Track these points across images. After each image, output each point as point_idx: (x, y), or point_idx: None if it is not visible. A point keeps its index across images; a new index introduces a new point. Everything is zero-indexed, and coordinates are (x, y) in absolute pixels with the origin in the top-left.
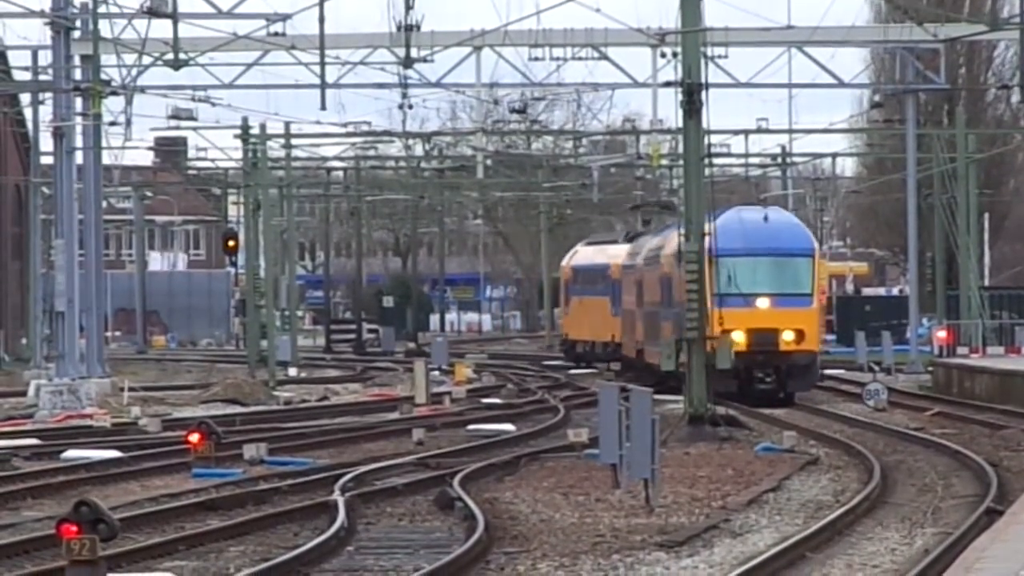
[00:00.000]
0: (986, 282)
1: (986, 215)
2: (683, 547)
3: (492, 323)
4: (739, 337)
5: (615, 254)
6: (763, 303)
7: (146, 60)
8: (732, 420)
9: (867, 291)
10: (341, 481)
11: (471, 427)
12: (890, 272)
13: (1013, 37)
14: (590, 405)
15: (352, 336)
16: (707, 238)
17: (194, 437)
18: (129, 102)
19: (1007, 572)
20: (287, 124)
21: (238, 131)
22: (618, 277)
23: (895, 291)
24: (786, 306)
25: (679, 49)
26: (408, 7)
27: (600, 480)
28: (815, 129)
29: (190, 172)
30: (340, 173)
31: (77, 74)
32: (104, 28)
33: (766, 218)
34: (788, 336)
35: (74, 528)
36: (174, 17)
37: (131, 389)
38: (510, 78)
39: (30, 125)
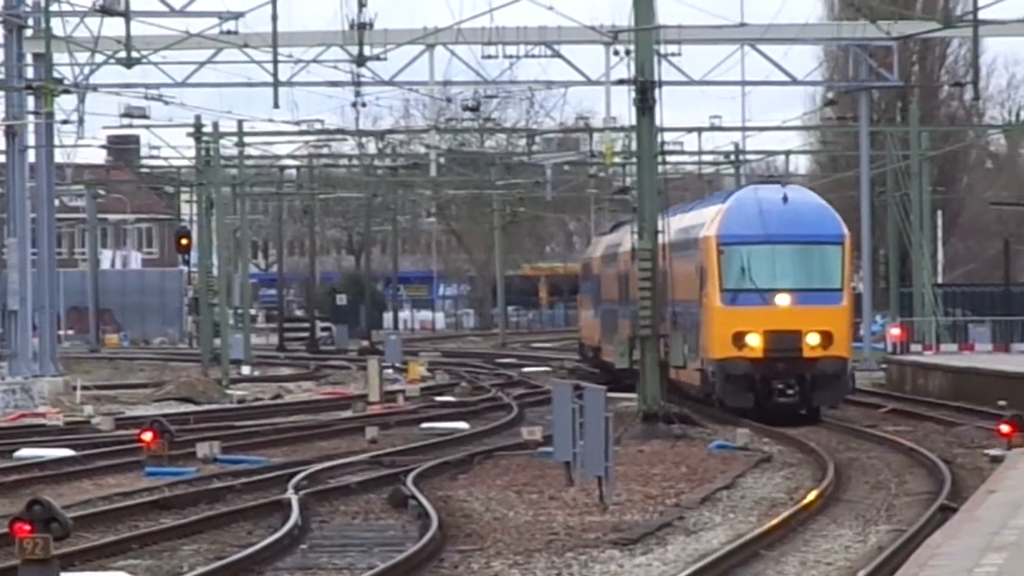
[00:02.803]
0: (939, 279)
1: (939, 212)
2: (637, 545)
3: (445, 321)
4: (754, 341)
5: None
6: (783, 300)
7: (99, 58)
8: (686, 418)
9: None
10: (294, 479)
11: (425, 425)
12: None
13: (966, 34)
14: (544, 403)
15: (305, 334)
16: (714, 223)
17: (147, 436)
18: (82, 100)
19: (961, 569)
20: (240, 122)
21: (191, 129)
22: (598, 272)
23: None
24: (811, 303)
25: (632, 47)
26: (361, 5)
27: (554, 478)
28: (768, 127)
29: (143, 170)
30: (293, 171)
31: (29, 72)
32: (56, 26)
33: (786, 198)
34: (813, 339)
35: (27, 527)
36: (127, 15)
37: (84, 388)
38: (463, 76)
39: None
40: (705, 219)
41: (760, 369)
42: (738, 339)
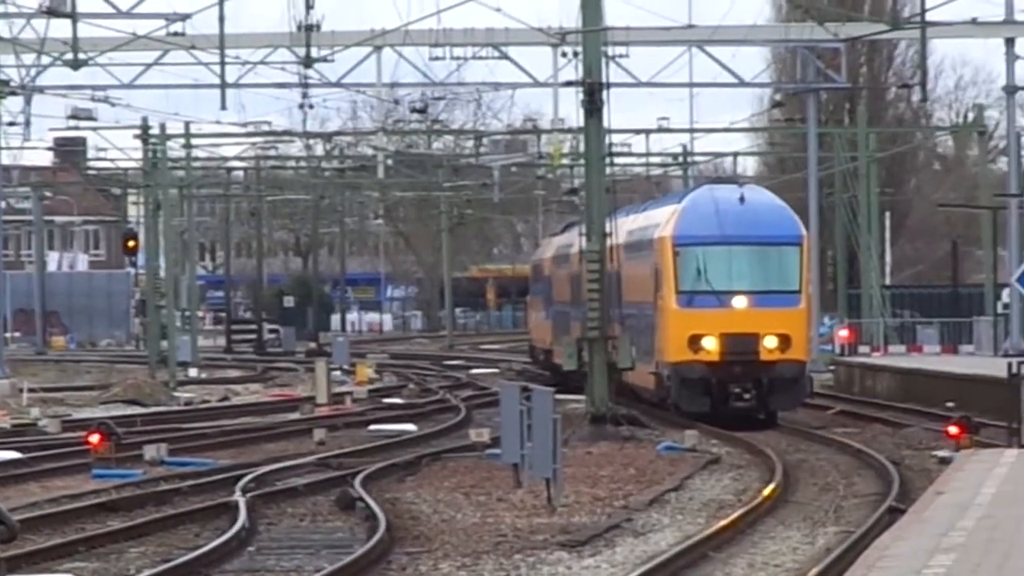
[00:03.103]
0: (887, 281)
1: (887, 214)
2: (585, 547)
3: (393, 323)
4: (711, 344)
5: (559, 244)
6: (740, 302)
7: (45, 60)
8: (634, 419)
9: None
10: (242, 482)
11: (372, 427)
12: None
13: (914, 36)
14: (492, 405)
15: (253, 336)
16: (669, 223)
17: (94, 438)
18: (28, 102)
19: (909, 571)
20: (187, 124)
21: (138, 131)
22: (549, 273)
23: None
24: (768, 306)
25: (580, 48)
26: (308, 7)
27: (502, 480)
28: (716, 128)
29: (90, 172)
30: (240, 173)
31: None
32: (2, 28)
33: (742, 198)
34: (771, 342)
35: None
36: (73, 17)
37: (31, 390)
38: (411, 78)
39: None
40: (660, 219)
41: (716, 373)
42: (694, 342)
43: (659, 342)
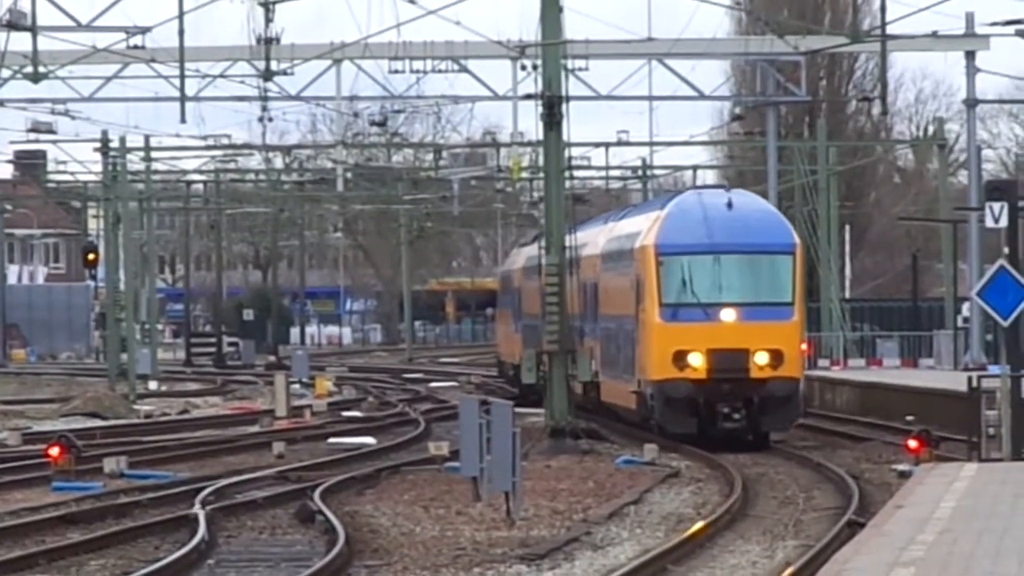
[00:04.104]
0: (847, 294)
1: (847, 227)
2: (544, 560)
3: (352, 336)
4: (697, 360)
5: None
6: (729, 315)
7: (5, 73)
8: (593, 433)
9: None
10: (202, 494)
11: (332, 440)
12: None
13: (874, 49)
14: (451, 418)
15: (212, 349)
16: (651, 231)
17: (54, 451)
18: None
19: None
20: (147, 137)
21: (98, 144)
22: (518, 285)
23: None
24: (760, 319)
25: (539, 61)
26: (268, 20)
27: (461, 493)
28: (676, 141)
29: (50, 185)
30: (200, 186)
31: None
32: None
33: (730, 203)
34: (762, 359)
35: None
36: (33, 30)
37: None
38: (370, 91)
39: None
40: (641, 227)
41: (704, 391)
42: (679, 358)
43: (641, 358)
